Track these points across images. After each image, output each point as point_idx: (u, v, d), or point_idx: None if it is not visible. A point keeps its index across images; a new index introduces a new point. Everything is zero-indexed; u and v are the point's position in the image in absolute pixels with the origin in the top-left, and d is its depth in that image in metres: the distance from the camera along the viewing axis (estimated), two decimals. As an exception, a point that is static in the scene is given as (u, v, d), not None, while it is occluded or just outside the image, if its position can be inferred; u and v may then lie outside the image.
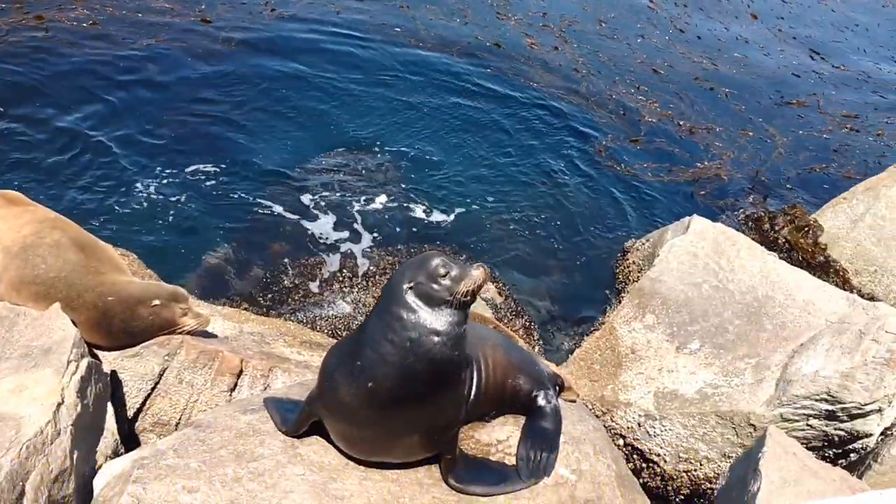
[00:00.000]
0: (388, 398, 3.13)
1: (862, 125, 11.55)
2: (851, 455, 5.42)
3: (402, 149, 8.55)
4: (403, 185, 7.99)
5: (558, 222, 7.90)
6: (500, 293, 6.24)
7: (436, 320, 3.09)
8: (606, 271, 7.23)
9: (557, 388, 4.25)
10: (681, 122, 10.31)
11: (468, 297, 3.11)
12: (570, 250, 7.62)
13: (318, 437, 3.55)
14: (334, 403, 3.27)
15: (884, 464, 4.82)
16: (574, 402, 4.46)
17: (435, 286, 3.09)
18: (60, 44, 8.84)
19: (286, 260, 6.76)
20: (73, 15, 9.46)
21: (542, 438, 3.80)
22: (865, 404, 5.04)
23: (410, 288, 3.12)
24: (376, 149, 8.49)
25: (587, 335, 6.06)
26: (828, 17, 16.18)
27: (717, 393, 5.32)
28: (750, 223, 8.41)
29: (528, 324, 6.23)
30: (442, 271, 3.09)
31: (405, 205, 7.69)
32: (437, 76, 10.08)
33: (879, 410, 5.12)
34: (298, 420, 3.52)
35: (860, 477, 4.82)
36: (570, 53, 11.70)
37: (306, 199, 7.59)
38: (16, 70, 8.26)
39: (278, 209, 7.37)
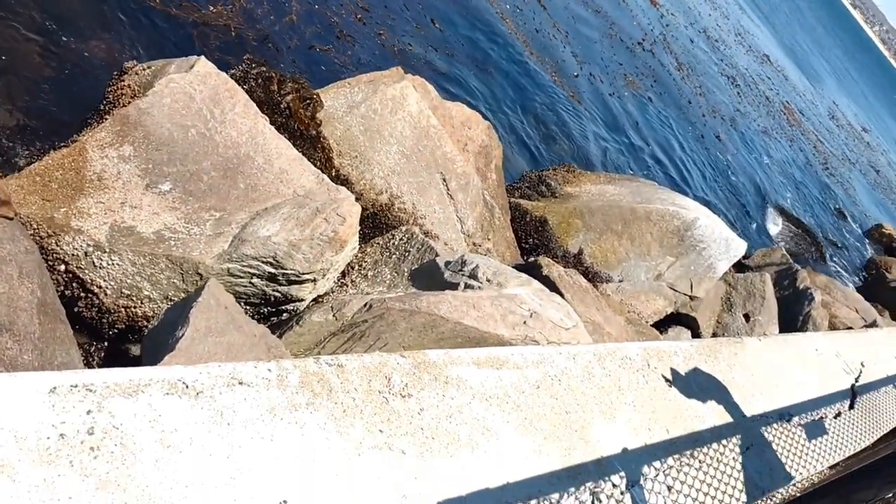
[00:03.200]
0: None
1: (370, 19, 12.15)
2: (283, 315, 6.01)
3: None
4: None
5: (54, 26, 6.88)
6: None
7: None
8: (97, 86, 6.59)
9: (-9, 201, 3.83)
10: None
11: None
12: (60, 58, 6.72)
13: None
14: None
15: (303, 326, 5.41)
16: (10, 219, 4.08)
17: None
18: None
19: None
20: None
21: (-47, 253, 3.40)
22: (303, 273, 5.58)
23: None
24: None
25: (54, 149, 5.50)
26: None
27: (174, 237, 5.34)
28: (260, 80, 8.41)
29: (-15, 121, 5.41)
30: None
31: None
32: None
33: (314, 280, 5.73)
34: None
35: (281, 336, 5.35)
36: None
37: None
38: None
39: None
